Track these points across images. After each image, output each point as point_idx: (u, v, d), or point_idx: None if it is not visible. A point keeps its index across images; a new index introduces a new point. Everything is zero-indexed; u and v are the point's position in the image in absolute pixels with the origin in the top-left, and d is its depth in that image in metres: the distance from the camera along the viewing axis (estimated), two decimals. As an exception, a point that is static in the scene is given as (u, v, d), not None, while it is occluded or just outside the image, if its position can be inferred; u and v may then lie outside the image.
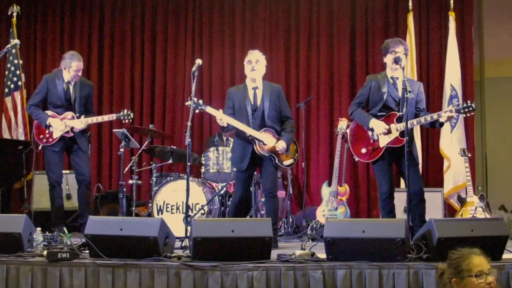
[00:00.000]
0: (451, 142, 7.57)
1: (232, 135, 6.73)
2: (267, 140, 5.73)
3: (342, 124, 7.17)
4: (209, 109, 5.70)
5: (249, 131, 5.70)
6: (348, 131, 6.03)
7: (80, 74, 6.46)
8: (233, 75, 8.85)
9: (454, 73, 7.68)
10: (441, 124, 5.58)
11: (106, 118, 6.62)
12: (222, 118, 5.67)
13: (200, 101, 5.64)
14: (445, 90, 7.73)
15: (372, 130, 5.60)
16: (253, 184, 6.52)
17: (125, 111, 6.53)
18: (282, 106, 5.92)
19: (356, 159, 5.85)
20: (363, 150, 5.70)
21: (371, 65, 8.54)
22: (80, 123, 6.35)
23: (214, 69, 9.00)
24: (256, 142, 5.71)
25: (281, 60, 8.83)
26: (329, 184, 7.12)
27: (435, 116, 5.40)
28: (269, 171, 5.80)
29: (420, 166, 6.45)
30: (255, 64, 5.85)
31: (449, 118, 5.41)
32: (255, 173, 6.27)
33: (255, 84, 5.88)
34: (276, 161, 5.76)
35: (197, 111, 5.63)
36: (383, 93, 5.59)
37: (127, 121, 6.55)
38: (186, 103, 5.65)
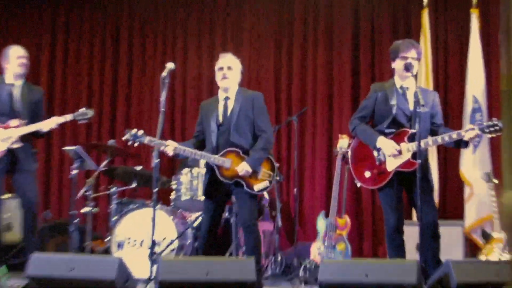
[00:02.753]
0: (474, 164, 7.56)
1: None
2: (228, 163, 5.72)
3: (343, 143, 7.15)
4: (148, 140, 5.65)
5: (201, 156, 5.74)
6: (349, 150, 6.01)
7: (24, 62, 6.49)
8: (212, 82, 8.75)
9: (477, 82, 7.69)
10: (467, 144, 5.55)
11: (62, 119, 6.52)
12: (166, 149, 5.66)
13: (139, 132, 5.64)
14: (466, 102, 7.73)
15: (379, 150, 5.58)
16: (233, 215, 6.48)
17: (83, 109, 6.52)
18: (256, 117, 5.87)
19: (358, 185, 5.83)
20: (367, 174, 5.68)
21: (378, 72, 8.54)
22: (49, 123, 6.34)
23: (189, 74, 9.00)
24: (216, 167, 5.72)
25: (270, 65, 8.83)
26: (326, 215, 7.08)
27: (454, 135, 5.37)
28: (242, 200, 5.79)
29: (435, 193, 6.43)
30: (227, 71, 5.85)
31: (472, 139, 5.41)
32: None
33: (227, 94, 5.89)
34: (245, 187, 5.74)
35: (135, 145, 5.68)
36: (391, 106, 5.58)
37: (84, 121, 6.56)
38: (123, 138, 5.72)
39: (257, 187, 5.79)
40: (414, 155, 5.37)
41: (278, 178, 6.15)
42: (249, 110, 5.84)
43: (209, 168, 5.80)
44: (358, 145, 5.83)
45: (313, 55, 8.82)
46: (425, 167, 5.48)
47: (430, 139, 5.47)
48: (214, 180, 5.75)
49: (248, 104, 5.86)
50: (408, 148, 5.47)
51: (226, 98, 5.88)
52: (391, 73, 5.83)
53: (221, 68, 5.87)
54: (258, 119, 5.88)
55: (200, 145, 5.89)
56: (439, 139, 5.45)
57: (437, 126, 5.64)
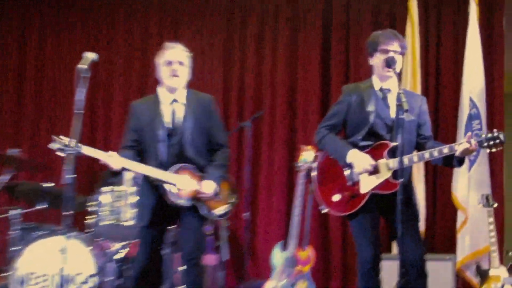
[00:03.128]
0: (469, 185, 7.62)
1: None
2: (183, 182, 5.66)
3: (307, 156, 7.16)
4: (88, 151, 5.56)
5: (151, 172, 5.65)
6: (315, 166, 5.99)
7: None
8: (145, 76, 8.80)
9: (475, 82, 7.76)
10: (461, 161, 5.53)
11: None
12: (110, 162, 5.54)
13: (72, 141, 5.40)
14: (462, 106, 7.80)
15: (350, 166, 5.57)
16: (169, 244, 6.45)
17: None
18: (214, 128, 5.87)
19: (325, 210, 5.80)
20: (336, 197, 5.64)
21: (354, 69, 8.61)
22: None
23: (116, 67, 8.98)
24: (166, 187, 5.65)
25: (218, 57, 8.87)
26: (285, 247, 7.08)
27: (445, 150, 5.36)
28: (190, 226, 5.74)
29: (421, 222, 6.43)
30: (178, 67, 5.75)
31: (466, 152, 5.40)
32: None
33: (174, 95, 5.81)
34: (203, 210, 5.70)
35: (64, 155, 5.43)
36: (368, 113, 5.54)
37: None
38: (50, 146, 5.53)
39: (218, 210, 5.81)
40: (395, 174, 5.36)
41: (237, 200, 6.14)
42: (203, 118, 5.80)
43: (153, 188, 5.72)
44: (326, 161, 5.78)
45: (272, 47, 8.84)
46: (408, 188, 5.45)
47: (415, 155, 5.44)
48: (161, 204, 5.69)
49: (202, 111, 5.82)
50: (387, 165, 5.43)
51: (174, 101, 5.79)
52: (369, 71, 5.82)
53: (170, 63, 5.74)
54: (217, 131, 5.91)
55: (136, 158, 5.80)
56: (426, 154, 5.41)
57: (425, 139, 5.60)
